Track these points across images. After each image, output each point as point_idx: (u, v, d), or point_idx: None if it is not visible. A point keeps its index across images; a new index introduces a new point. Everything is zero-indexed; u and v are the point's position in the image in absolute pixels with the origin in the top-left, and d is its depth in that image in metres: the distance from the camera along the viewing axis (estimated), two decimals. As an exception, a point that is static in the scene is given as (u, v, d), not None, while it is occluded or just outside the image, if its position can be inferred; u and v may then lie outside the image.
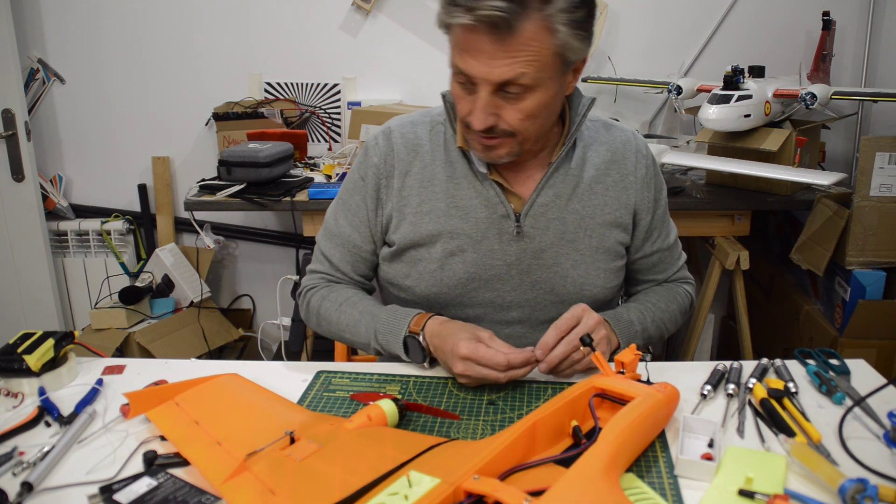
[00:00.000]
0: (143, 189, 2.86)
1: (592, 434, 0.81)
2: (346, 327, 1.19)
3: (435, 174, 1.18)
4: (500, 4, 0.93)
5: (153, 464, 0.85)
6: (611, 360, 1.07)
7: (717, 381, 1.02)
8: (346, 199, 1.24)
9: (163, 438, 0.91)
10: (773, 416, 0.93)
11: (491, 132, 1.06)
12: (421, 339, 1.09)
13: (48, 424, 0.97)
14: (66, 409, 0.99)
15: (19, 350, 1.06)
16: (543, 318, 1.20)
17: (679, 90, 2.31)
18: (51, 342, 1.08)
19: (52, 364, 1.08)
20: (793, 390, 1.00)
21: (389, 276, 1.23)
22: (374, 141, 1.22)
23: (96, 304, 2.73)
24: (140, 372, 1.12)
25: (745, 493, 0.76)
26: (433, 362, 1.11)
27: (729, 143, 2.20)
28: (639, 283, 1.33)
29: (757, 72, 2.24)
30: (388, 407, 0.92)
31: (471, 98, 1.04)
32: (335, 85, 2.76)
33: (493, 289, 1.19)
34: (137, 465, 0.87)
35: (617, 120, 2.49)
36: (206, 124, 2.80)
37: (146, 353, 2.47)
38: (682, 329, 2.60)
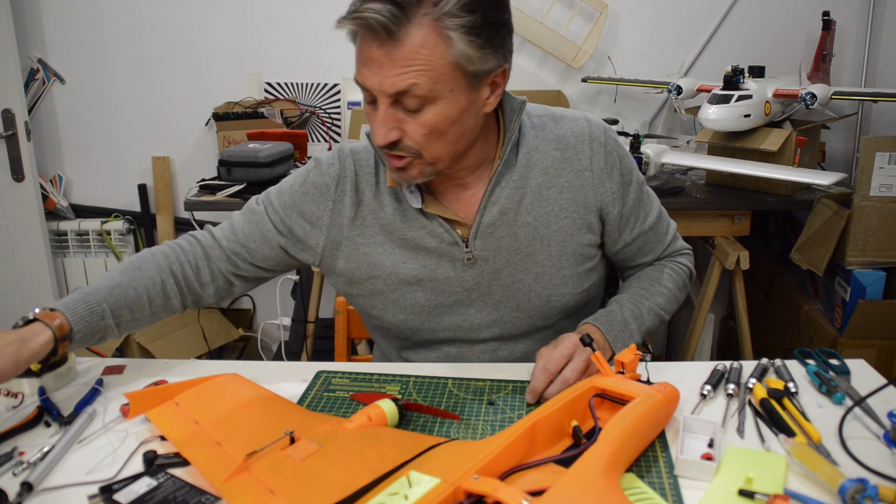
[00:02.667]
0: (143, 189, 2.86)
1: (592, 434, 0.81)
2: None
3: (383, 205, 1.13)
4: (379, 7, 0.90)
5: (153, 464, 0.85)
6: (611, 360, 1.08)
7: (717, 381, 1.02)
8: (275, 194, 1.19)
9: (163, 438, 0.91)
10: (773, 416, 0.93)
11: (396, 148, 1.00)
12: None
13: (48, 424, 0.97)
14: (66, 409, 0.99)
15: (19, 350, 1.06)
16: (516, 332, 1.18)
17: (679, 90, 2.31)
18: (51, 342, 1.08)
19: (52, 364, 1.08)
20: (793, 390, 1.00)
21: (362, 309, 1.22)
22: (328, 159, 1.16)
23: (96, 304, 2.72)
24: (140, 372, 1.12)
25: (745, 493, 0.76)
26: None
27: (729, 143, 2.20)
28: (629, 269, 1.29)
29: (757, 72, 2.24)
30: (388, 407, 0.92)
31: (376, 114, 0.99)
32: (335, 85, 2.76)
33: (458, 313, 1.16)
34: (137, 465, 0.86)
35: (617, 121, 2.51)
36: (206, 124, 2.80)
37: (146, 353, 2.47)
38: (682, 329, 2.60)
